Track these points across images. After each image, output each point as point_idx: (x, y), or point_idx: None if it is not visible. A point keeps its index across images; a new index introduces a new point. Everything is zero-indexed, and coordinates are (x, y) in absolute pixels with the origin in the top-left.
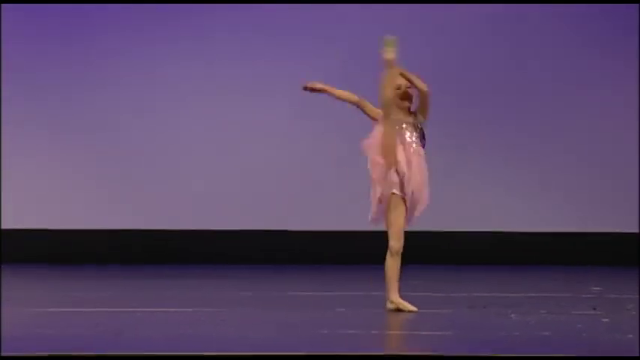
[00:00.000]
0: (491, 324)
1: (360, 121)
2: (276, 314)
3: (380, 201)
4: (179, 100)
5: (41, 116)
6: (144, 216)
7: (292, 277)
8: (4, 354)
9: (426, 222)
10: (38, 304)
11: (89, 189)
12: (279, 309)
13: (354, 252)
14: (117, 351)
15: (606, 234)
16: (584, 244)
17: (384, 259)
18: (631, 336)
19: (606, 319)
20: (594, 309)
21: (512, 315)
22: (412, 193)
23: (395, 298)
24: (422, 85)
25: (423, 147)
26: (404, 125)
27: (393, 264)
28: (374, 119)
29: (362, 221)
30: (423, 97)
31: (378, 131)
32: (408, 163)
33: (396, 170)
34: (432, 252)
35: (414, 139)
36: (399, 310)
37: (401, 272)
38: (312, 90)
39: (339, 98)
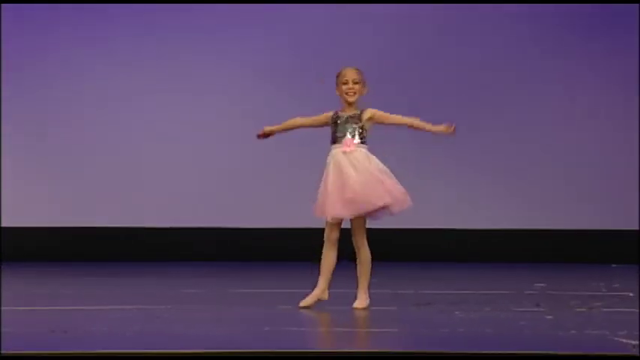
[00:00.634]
0: (436, 321)
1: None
2: (218, 311)
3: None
4: (151, 99)
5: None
6: (101, 213)
7: (237, 275)
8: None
9: (377, 220)
10: None
11: (38, 186)
12: (221, 306)
13: (298, 248)
14: (52, 350)
15: (553, 231)
16: (531, 241)
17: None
18: (574, 332)
19: (550, 316)
20: (538, 305)
21: (457, 312)
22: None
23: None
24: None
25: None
26: (347, 130)
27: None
28: (325, 125)
29: (308, 218)
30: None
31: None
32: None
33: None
34: (384, 250)
35: (355, 140)
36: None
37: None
38: (265, 136)
39: (287, 130)
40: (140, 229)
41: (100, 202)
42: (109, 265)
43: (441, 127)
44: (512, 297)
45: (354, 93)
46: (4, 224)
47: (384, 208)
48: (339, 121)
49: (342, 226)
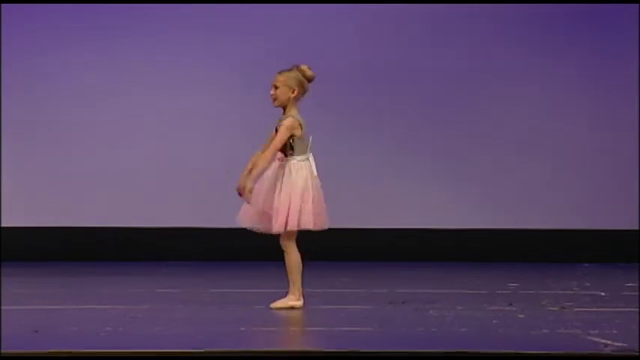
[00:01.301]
0: (410, 320)
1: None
2: (194, 311)
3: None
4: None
5: None
6: (83, 214)
7: (213, 275)
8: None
9: (354, 220)
10: None
11: (32, 187)
12: (197, 306)
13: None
14: (35, 349)
15: (527, 231)
16: (505, 241)
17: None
18: (546, 331)
19: (522, 315)
20: (510, 305)
21: (431, 311)
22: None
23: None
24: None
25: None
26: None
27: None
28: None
29: None
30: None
31: None
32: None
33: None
34: (360, 250)
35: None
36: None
37: (304, 269)
38: (245, 192)
39: (265, 166)
40: (118, 229)
41: (81, 203)
42: (88, 265)
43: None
44: (485, 296)
45: (274, 99)
46: None
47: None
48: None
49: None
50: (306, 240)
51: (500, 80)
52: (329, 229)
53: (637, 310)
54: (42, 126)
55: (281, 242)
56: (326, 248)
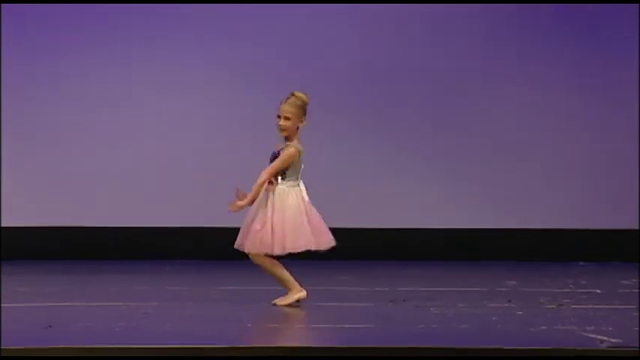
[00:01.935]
0: (411, 317)
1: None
2: (203, 308)
3: None
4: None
5: None
6: (88, 214)
7: (221, 273)
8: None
9: (355, 219)
10: None
11: (34, 187)
12: (206, 303)
13: None
14: (48, 345)
15: (526, 230)
16: (504, 240)
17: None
18: (544, 327)
19: (520, 312)
20: (509, 302)
21: (432, 308)
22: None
23: None
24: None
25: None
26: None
27: None
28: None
29: None
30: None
31: None
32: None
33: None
34: (362, 249)
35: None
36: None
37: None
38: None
39: (259, 190)
40: (126, 229)
41: (82, 203)
42: (92, 264)
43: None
44: (485, 294)
45: (283, 129)
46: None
47: None
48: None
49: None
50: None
51: (499, 80)
52: (331, 228)
53: (633, 307)
54: (46, 127)
55: (252, 259)
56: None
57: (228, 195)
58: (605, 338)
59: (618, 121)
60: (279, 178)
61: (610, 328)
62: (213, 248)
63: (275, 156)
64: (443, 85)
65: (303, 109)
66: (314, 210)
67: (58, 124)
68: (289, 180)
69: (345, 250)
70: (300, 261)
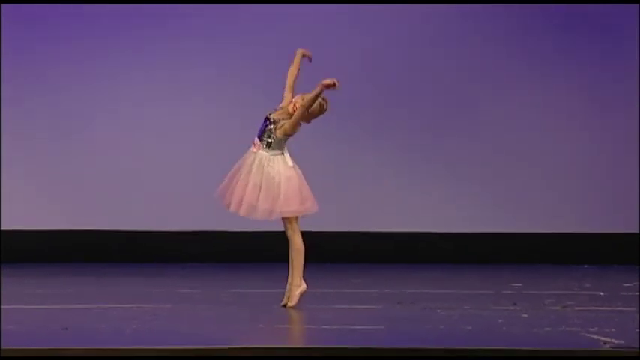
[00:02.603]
0: (419, 318)
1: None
2: (216, 310)
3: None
4: (143, 101)
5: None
6: (98, 217)
7: (232, 275)
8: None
9: (366, 224)
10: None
11: (49, 190)
12: (218, 305)
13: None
14: (68, 345)
15: (529, 234)
16: (509, 243)
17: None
18: (548, 329)
19: (525, 314)
20: (514, 304)
21: (439, 310)
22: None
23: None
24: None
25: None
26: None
27: None
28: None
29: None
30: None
31: None
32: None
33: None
34: (370, 252)
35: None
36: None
37: (305, 266)
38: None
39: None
40: (136, 233)
41: (95, 206)
42: (109, 267)
43: (320, 86)
44: (490, 296)
45: (295, 104)
46: (5, 227)
47: None
48: None
49: (318, 229)
50: (322, 243)
51: (501, 83)
52: (342, 232)
53: (634, 309)
54: (62, 133)
55: (290, 231)
56: (339, 251)
57: None
58: (607, 339)
59: (628, 122)
60: (264, 145)
61: (612, 330)
62: (224, 251)
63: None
64: (445, 87)
65: (316, 108)
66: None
67: (76, 131)
68: (274, 149)
69: (357, 252)
70: (310, 263)
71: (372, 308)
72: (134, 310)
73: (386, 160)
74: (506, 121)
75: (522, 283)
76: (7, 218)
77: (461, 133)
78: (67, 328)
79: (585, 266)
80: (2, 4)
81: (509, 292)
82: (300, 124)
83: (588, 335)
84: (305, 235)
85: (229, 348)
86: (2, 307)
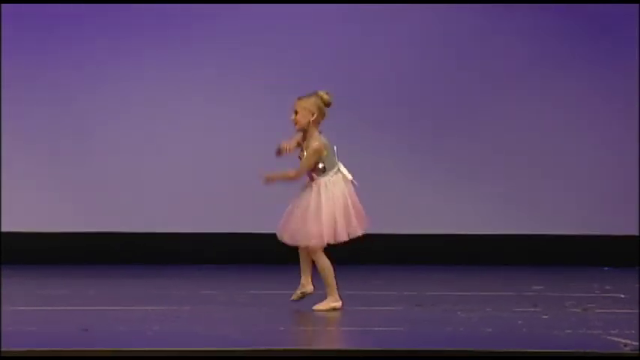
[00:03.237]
0: (439, 320)
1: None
2: (235, 312)
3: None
4: (153, 103)
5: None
6: (116, 218)
7: (250, 277)
8: (3, 349)
9: (388, 225)
10: (17, 303)
11: (63, 192)
12: (238, 307)
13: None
14: (89, 347)
15: (552, 236)
16: (529, 245)
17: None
18: (569, 331)
19: (546, 316)
20: (535, 306)
21: (459, 312)
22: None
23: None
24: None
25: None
26: None
27: None
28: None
29: None
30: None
31: None
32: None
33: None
34: (390, 254)
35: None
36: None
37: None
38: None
39: (291, 177)
40: (154, 234)
41: (115, 208)
42: (126, 269)
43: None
44: (511, 298)
45: (295, 123)
46: (20, 229)
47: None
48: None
49: None
50: (342, 244)
51: (507, 86)
52: (363, 234)
53: None
54: (80, 139)
55: (311, 254)
56: (359, 253)
57: (257, 201)
58: (628, 342)
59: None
60: (321, 172)
61: (633, 332)
62: (243, 253)
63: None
64: (456, 90)
65: (316, 106)
66: (353, 192)
67: (90, 134)
68: (329, 171)
69: (379, 254)
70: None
71: (391, 310)
72: (155, 312)
73: (418, 168)
74: (525, 121)
75: (543, 285)
76: (26, 220)
77: (478, 133)
78: (86, 330)
79: (606, 268)
80: (2, 4)
81: (530, 294)
82: (313, 158)
83: (609, 338)
84: None
85: (249, 350)
86: (24, 308)
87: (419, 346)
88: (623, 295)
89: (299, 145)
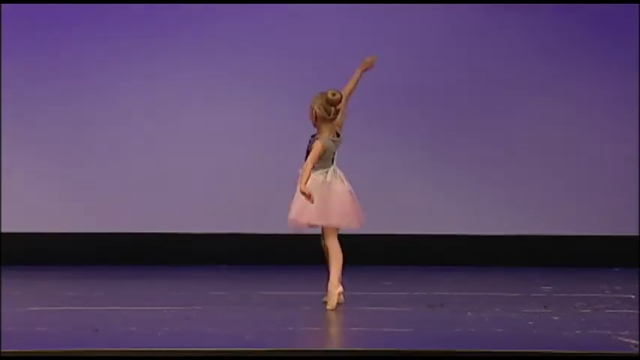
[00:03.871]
0: (449, 321)
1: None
2: (245, 312)
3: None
4: (159, 104)
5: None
6: (126, 219)
7: (260, 278)
8: (3, 349)
9: (397, 226)
10: (28, 304)
11: (70, 193)
12: (247, 307)
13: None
14: (99, 347)
15: (561, 237)
16: (539, 246)
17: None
18: (579, 332)
19: (556, 317)
20: (545, 307)
21: (469, 313)
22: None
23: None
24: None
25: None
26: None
27: None
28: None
29: None
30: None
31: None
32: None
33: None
34: (399, 254)
35: None
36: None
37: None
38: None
39: (306, 175)
40: (164, 235)
41: (123, 208)
42: (136, 269)
43: (362, 66)
44: (520, 299)
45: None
46: (29, 229)
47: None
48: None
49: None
50: (351, 245)
51: (508, 86)
52: (371, 234)
53: None
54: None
55: (330, 239)
56: (369, 253)
57: (267, 201)
58: (638, 342)
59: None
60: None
61: None
62: (253, 253)
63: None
64: (468, 92)
65: (318, 103)
66: (342, 191)
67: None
68: (318, 169)
69: (388, 255)
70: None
71: (401, 311)
72: (165, 312)
73: (425, 167)
74: (537, 123)
75: (552, 285)
76: (34, 220)
77: (487, 135)
78: (97, 330)
79: (616, 269)
80: (2, 4)
81: (540, 294)
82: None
83: (619, 338)
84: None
85: (258, 350)
86: (35, 309)
87: (428, 347)
88: (633, 296)
89: None
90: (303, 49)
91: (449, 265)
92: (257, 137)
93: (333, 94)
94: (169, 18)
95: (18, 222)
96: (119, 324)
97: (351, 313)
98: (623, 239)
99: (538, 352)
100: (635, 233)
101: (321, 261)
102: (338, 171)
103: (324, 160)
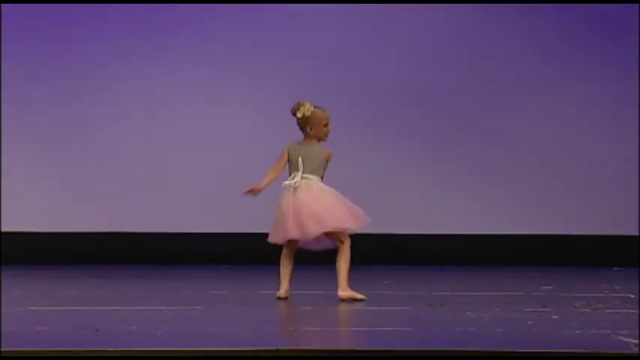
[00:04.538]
0: (449, 320)
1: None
2: (246, 312)
3: None
4: (158, 105)
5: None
6: (125, 219)
7: (259, 277)
8: (3, 349)
9: (396, 226)
10: (28, 303)
11: (72, 193)
12: (249, 307)
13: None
14: (99, 347)
15: (561, 236)
16: (539, 245)
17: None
18: (578, 331)
19: (555, 316)
20: (544, 306)
21: (469, 312)
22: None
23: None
24: None
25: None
26: None
27: None
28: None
29: None
30: None
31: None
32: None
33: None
34: (399, 254)
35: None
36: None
37: (351, 268)
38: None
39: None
40: (164, 235)
41: (124, 209)
42: (136, 269)
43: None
44: (520, 298)
45: None
46: (29, 229)
47: None
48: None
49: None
50: (353, 245)
51: (508, 87)
52: (372, 234)
53: None
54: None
55: (346, 242)
56: (369, 253)
57: (270, 201)
58: (638, 342)
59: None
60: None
61: None
62: (254, 253)
63: None
64: (468, 92)
65: (315, 112)
66: (303, 201)
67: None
68: (288, 177)
69: (386, 254)
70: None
71: (401, 310)
72: (165, 312)
73: (425, 167)
74: (537, 123)
75: (552, 285)
76: (34, 220)
77: (487, 135)
78: (97, 330)
79: (615, 269)
80: (2, 4)
81: (539, 294)
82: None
83: (619, 338)
84: None
85: (258, 350)
86: (35, 308)
87: (428, 347)
88: (632, 296)
89: None
90: (303, 49)
91: (449, 265)
92: (257, 137)
93: (325, 125)
94: (169, 18)
95: (18, 222)
96: (119, 324)
97: (351, 313)
98: (623, 239)
99: (538, 352)
100: (635, 233)
101: (321, 261)
102: (311, 178)
103: (293, 166)
